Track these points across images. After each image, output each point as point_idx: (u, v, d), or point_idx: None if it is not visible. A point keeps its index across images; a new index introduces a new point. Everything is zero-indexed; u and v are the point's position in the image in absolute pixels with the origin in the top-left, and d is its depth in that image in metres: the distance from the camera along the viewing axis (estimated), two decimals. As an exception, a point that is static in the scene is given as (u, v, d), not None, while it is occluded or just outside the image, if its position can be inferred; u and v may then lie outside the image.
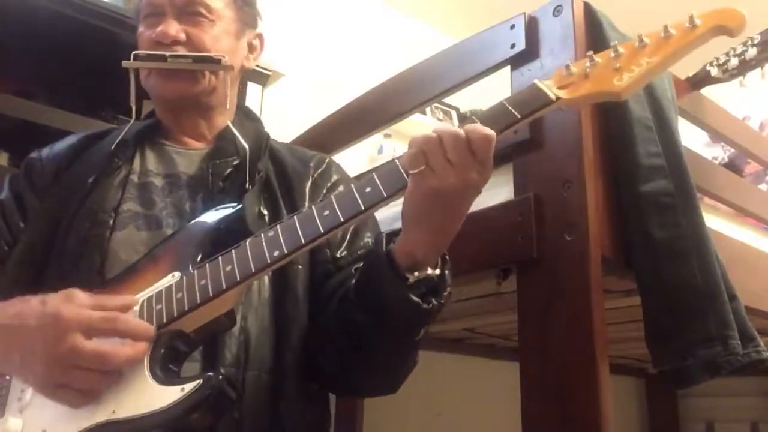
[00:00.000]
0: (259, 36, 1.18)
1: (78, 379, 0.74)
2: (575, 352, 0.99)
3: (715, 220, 1.36)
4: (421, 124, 2.70)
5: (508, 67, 1.22)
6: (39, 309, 0.76)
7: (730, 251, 1.22)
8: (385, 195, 0.76)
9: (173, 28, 1.04)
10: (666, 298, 1.05)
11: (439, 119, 2.91)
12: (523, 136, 1.13)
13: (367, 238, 1.04)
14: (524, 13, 1.19)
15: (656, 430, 2.93)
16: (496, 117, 0.76)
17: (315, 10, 2.84)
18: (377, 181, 0.77)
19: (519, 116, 0.76)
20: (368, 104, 1.58)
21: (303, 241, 0.77)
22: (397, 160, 0.77)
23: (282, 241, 0.78)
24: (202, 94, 1.06)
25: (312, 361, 0.94)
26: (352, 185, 0.79)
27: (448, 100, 2.74)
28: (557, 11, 1.14)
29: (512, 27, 1.20)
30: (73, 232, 0.96)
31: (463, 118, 2.95)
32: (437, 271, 0.81)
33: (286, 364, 0.91)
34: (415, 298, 0.79)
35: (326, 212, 0.77)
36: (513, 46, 1.19)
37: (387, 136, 2.56)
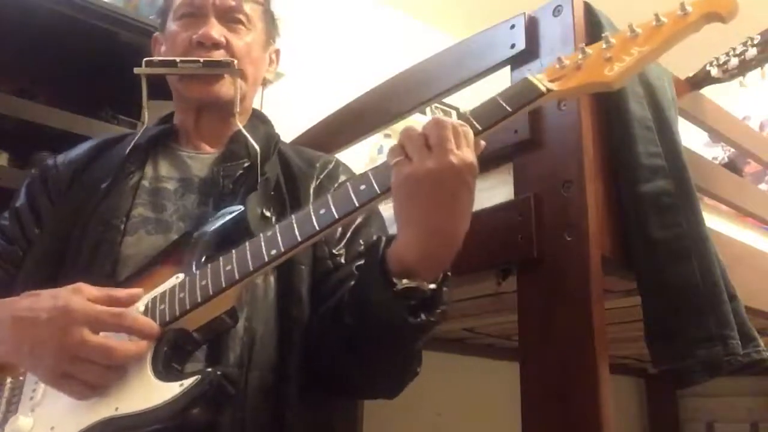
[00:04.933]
0: (277, 51, 1.23)
1: (83, 370, 0.76)
2: (575, 352, 0.99)
3: (715, 220, 1.35)
4: (421, 125, 2.70)
5: (508, 67, 1.22)
6: (50, 302, 0.78)
7: (730, 251, 1.22)
8: (378, 191, 0.76)
9: (217, 31, 1.06)
10: (666, 298, 1.05)
11: (439, 119, 2.90)
12: (523, 136, 1.13)
13: (373, 236, 1.03)
14: (524, 13, 1.19)
15: (656, 430, 2.93)
16: (488, 111, 0.77)
17: (315, 10, 2.84)
18: (371, 178, 0.77)
19: (510, 110, 0.76)
20: (368, 104, 1.58)
21: (299, 239, 0.78)
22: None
23: (279, 240, 0.79)
24: (231, 98, 1.07)
25: (309, 361, 0.94)
26: (348, 183, 0.79)
27: (448, 100, 2.73)
28: (557, 11, 1.14)
29: (512, 27, 1.20)
30: (86, 238, 0.98)
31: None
32: (432, 286, 0.77)
33: (289, 365, 0.92)
34: (401, 309, 0.76)
35: (322, 210, 0.78)
36: (513, 46, 1.19)
37: (387, 136, 2.55)
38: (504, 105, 0.76)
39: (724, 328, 1.04)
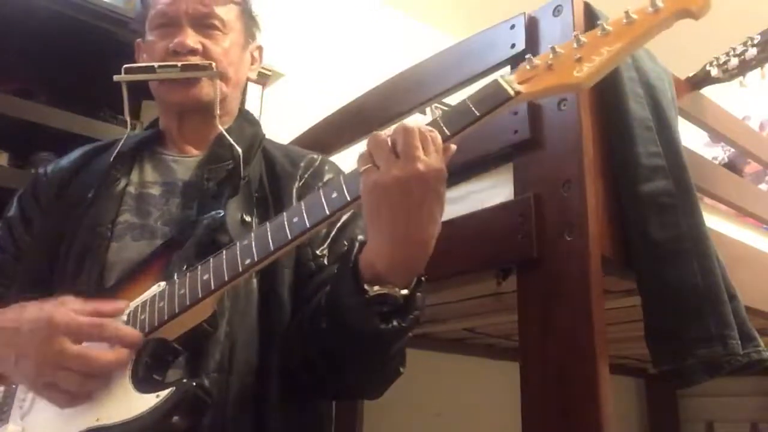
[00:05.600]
0: (259, 48, 1.21)
1: (64, 379, 0.77)
2: (575, 352, 0.99)
3: (715, 220, 1.36)
4: (419, 123, 2.70)
5: (508, 67, 1.22)
6: (34, 314, 0.80)
7: (730, 251, 1.22)
8: (348, 199, 0.76)
9: (191, 39, 1.06)
10: (666, 298, 1.05)
11: (439, 119, 2.91)
12: (523, 136, 1.13)
13: (357, 232, 1.02)
14: (524, 13, 1.19)
15: (656, 430, 2.93)
16: (458, 115, 0.76)
17: (315, 10, 2.85)
18: (343, 185, 0.77)
19: (478, 114, 0.75)
20: (368, 104, 1.58)
21: (272, 249, 0.78)
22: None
23: (253, 249, 0.79)
24: (212, 101, 1.07)
25: (288, 363, 0.93)
26: (320, 190, 0.78)
27: (448, 100, 2.73)
28: (557, 11, 1.14)
29: (512, 27, 1.20)
30: (73, 246, 0.98)
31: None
32: (404, 292, 0.77)
33: (270, 367, 0.91)
34: (372, 316, 0.76)
35: (295, 219, 0.78)
36: (513, 46, 1.19)
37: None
38: (473, 109, 0.75)
39: (724, 328, 1.04)
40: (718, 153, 2.21)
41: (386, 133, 0.74)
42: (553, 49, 0.76)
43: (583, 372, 0.97)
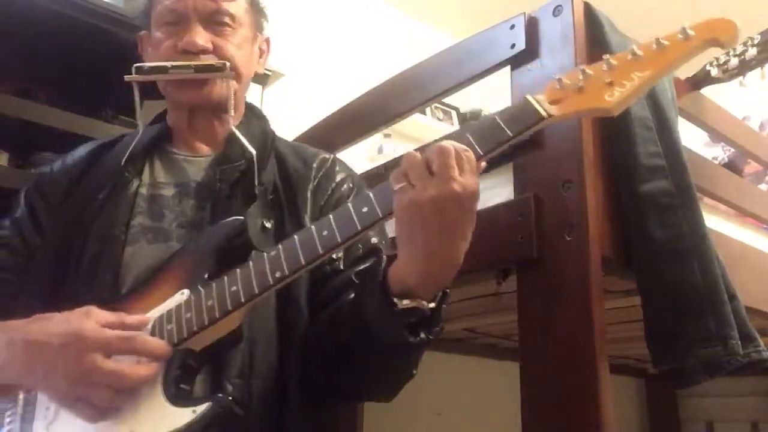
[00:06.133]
0: (267, 40, 1.20)
1: (95, 394, 0.77)
2: (575, 352, 0.99)
3: (715, 220, 1.36)
4: (421, 124, 2.70)
5: (508, 67, 1.22)
6: (62, 327, 0.79)
7: (730, 251, 1.22)
8: (380, 215, 0.76)
9: (201, 38, 1.03)
10: (666, 298, 1.05)
11: (439, 119, 2.91)
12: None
13: (371, 236, 1.02)
14: (524, 13, 1.19)
15: (656, 430, 2.93)
16: (489, 134, 0.76)
17: (315, 10, 2.85)
18: (373, 200, 0.77)
19: (510, 134, 0.76)
20: (368, 104, 1.58)
21: (303, 263, 0.78)
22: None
23: (283, 262, 0.79)
24: (224, 99, 1.06)
25: (305, 366, 0.94)
26: (349, 204, 0.79)
27: (448, 100, 2.74)
28: (557, 11, 1.14)
29: (512, 27, 1.20)
30: (86, 249, 0.97)
31: (464, 119, 2.96)
32: (431, 305, 0.79)
33: (289, 370, 0.92)
34: (401, 328, 0.78)
35: (325, 232, 0.78)
36: (513, 46, 1.19)
37: (387, 136, 2.56)
38: (504, 128, 0.76)
39: (724, 328, 1.04)
40: (718, 153, 2.21)
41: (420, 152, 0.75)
42: (583, 70, 0.76)
43: (583, 372, 0.97)
